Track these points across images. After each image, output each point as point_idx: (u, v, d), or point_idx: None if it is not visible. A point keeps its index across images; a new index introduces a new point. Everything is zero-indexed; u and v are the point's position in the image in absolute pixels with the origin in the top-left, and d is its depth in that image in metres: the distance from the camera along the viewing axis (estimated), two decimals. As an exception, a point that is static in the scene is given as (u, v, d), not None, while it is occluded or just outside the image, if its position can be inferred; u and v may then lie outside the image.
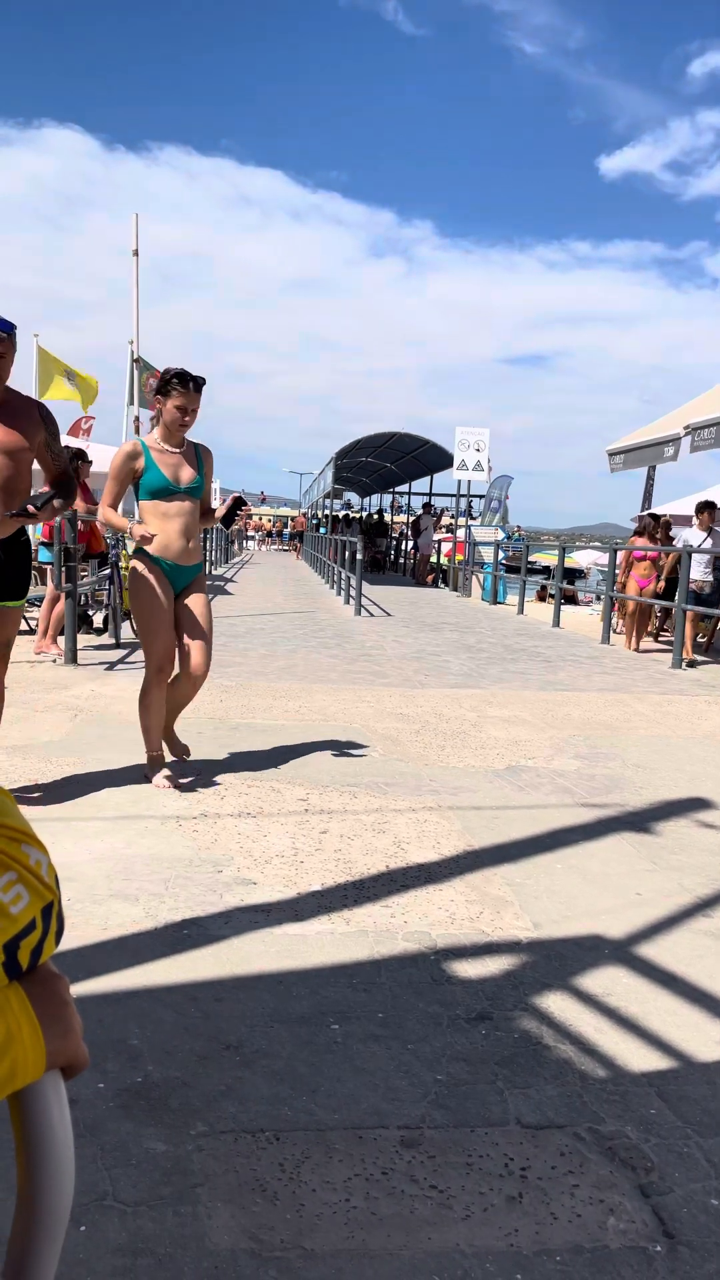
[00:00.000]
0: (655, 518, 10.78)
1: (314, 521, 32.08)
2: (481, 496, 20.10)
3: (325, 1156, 1.69)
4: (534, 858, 3.31)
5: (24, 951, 0.59)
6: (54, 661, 7.18)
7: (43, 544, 7.59)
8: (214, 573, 20.66)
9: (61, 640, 7.59)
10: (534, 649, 9.49)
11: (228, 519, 4.05)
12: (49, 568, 7.67)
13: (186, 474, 3.97)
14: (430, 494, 23.91)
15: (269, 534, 51.11)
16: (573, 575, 21.69)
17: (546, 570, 21.80)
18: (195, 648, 3.99)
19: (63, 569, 7.16)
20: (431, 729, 5.33)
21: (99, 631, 8.96)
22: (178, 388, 3.84)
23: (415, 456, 23.09)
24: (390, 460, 25.47)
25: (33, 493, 3.45)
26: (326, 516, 26.01)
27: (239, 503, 4.10)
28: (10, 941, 0.58)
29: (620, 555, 10.95)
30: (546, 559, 23.13)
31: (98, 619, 9.10)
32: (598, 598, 15.56)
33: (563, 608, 12.55)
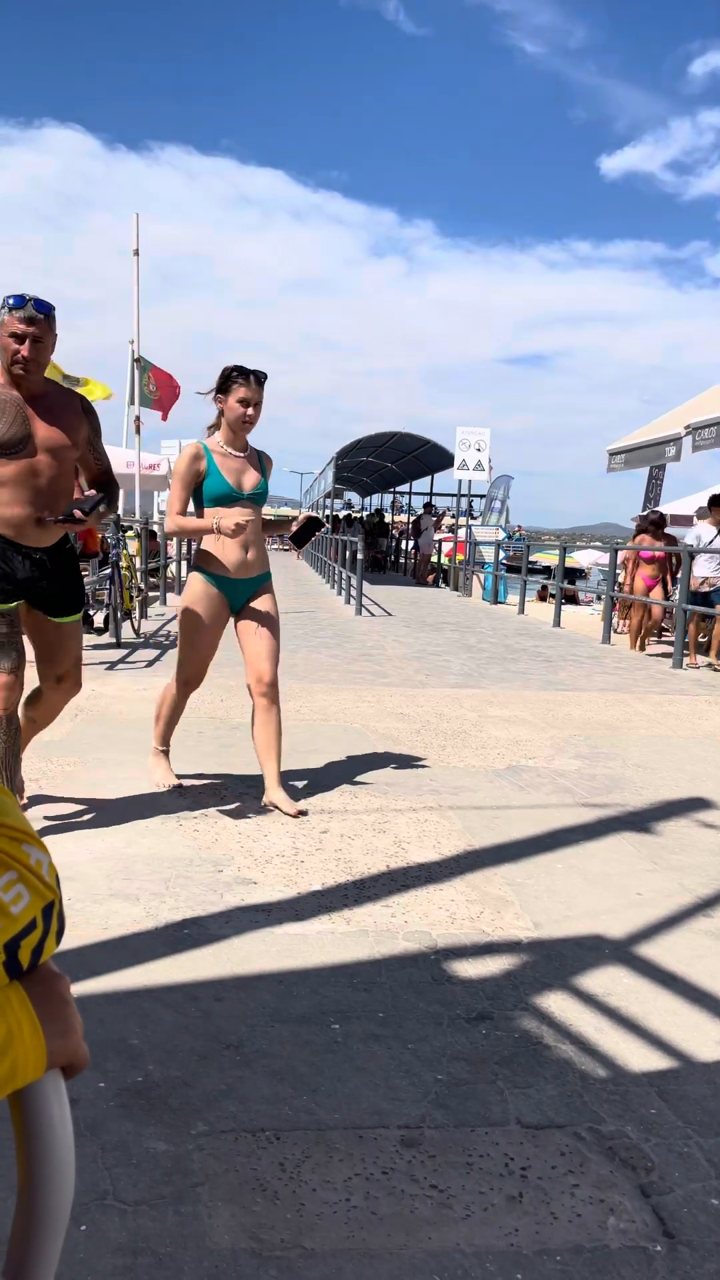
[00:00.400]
0: (660, 516, 10.73)
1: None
2: (482, 496, 20.10)
3: (325, 1156, 1.69)
4: (534, 858, 3.31)
5: (25, 951, 0.59)
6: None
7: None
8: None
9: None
10: (535, 649, 9.49)
11: (301, 537, 3.76)
12: None
13: (250, 480, 3.69)
14: (431, 494, 23.91)
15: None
16: (573, 575, 21.69)
17: (547, 570, 21.81)
18: (258, 661, 3.72)
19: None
20: (432, 729, 5.33)
21: (99, 631, 8.97)
22: (239, 381, 3.58)
23: (416, 456, 23.10)
24: (391, 460, 25.48)
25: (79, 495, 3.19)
26: (327, 516, 26.01)
27: (315, 524, 3.78)
28: (11, 941, 0.58)
29: (621, 555, 10.92)
30: (547, 559, 23.14)
31: (98, 619, 9.11)
32: (598, 598, 15.56)
33: (563, 608, 12.55)
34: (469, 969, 2.44)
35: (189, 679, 3.83)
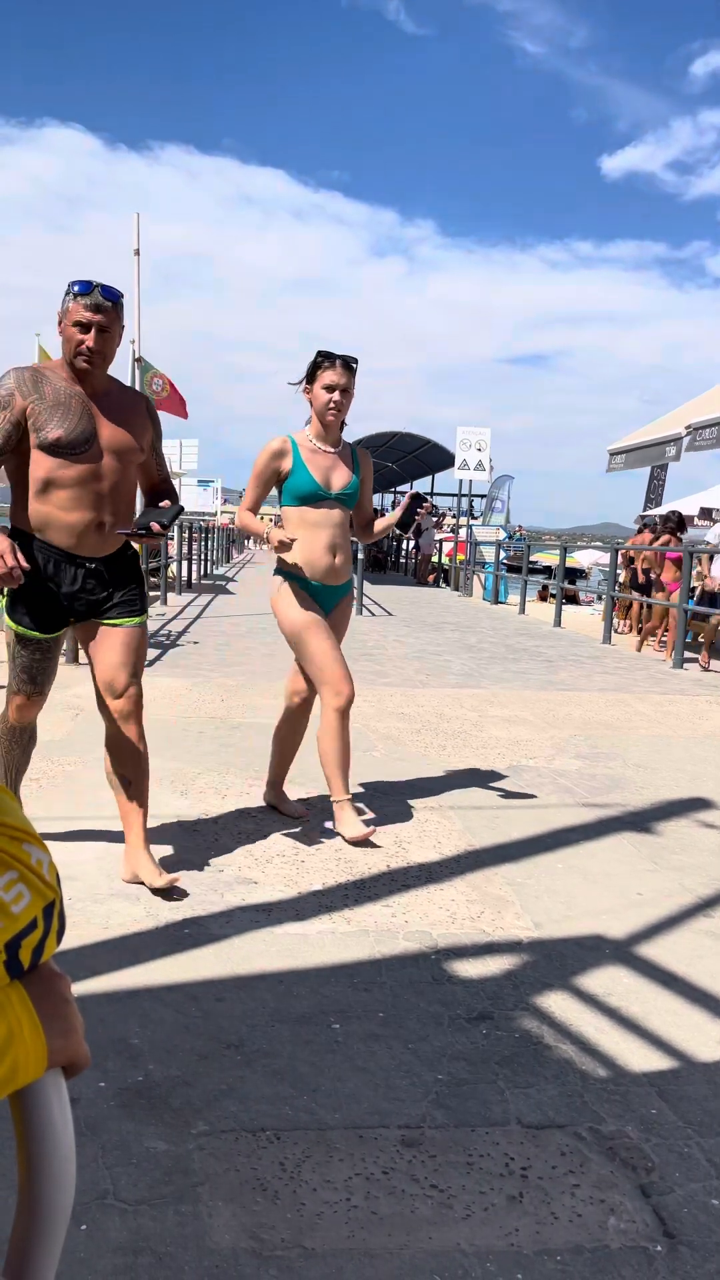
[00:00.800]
0: (681, 518, 10.63)
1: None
2: (483, 496, 20.11)
3: (326, 1156, 1.69)
4: (535, 857, 3.31)
5: (25, 950, 0.59)
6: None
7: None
8: (214, 572, 20.68)
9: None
10: (535, 649, 9.49)
11: (406, 520, 3.50)
12: None
13: (340, 478, 3.40)
14: (432, 493, 23.91)
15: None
16: (574, 575, 21.68)
17: (548, 570, 21.80)
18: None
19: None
20: (432, 729, 5.33)
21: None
22: (324, 365, 3.31)
23: (416, 456, 23.10)
24: (391, 460, 25.49)
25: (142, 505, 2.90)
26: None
27: (418, 499, 3.53)
28: (11, 940, 0.58)
29: (634, 554, 10.83)
30: (548, 559, 23.13)
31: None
32: (599, 598, 15.56)
33: (564, 608, 12.55)
34: (469, 969, 2.44)
35: (340, 692, 3.34)
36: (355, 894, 2.89)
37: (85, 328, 2.64)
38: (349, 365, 3.33)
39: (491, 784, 4.22)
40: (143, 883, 2.81)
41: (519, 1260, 1.47)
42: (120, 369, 13.09)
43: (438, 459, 21.62)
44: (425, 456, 22.49)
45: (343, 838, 3.34)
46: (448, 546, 21.71)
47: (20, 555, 2.45)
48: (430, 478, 24.58)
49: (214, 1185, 1.60)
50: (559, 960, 2.51)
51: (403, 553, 26.53)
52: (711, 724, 5.96)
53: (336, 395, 3.31)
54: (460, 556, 18.93)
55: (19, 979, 0.59)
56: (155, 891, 2.77)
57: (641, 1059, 2.06)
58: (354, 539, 3.61)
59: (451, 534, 21.41)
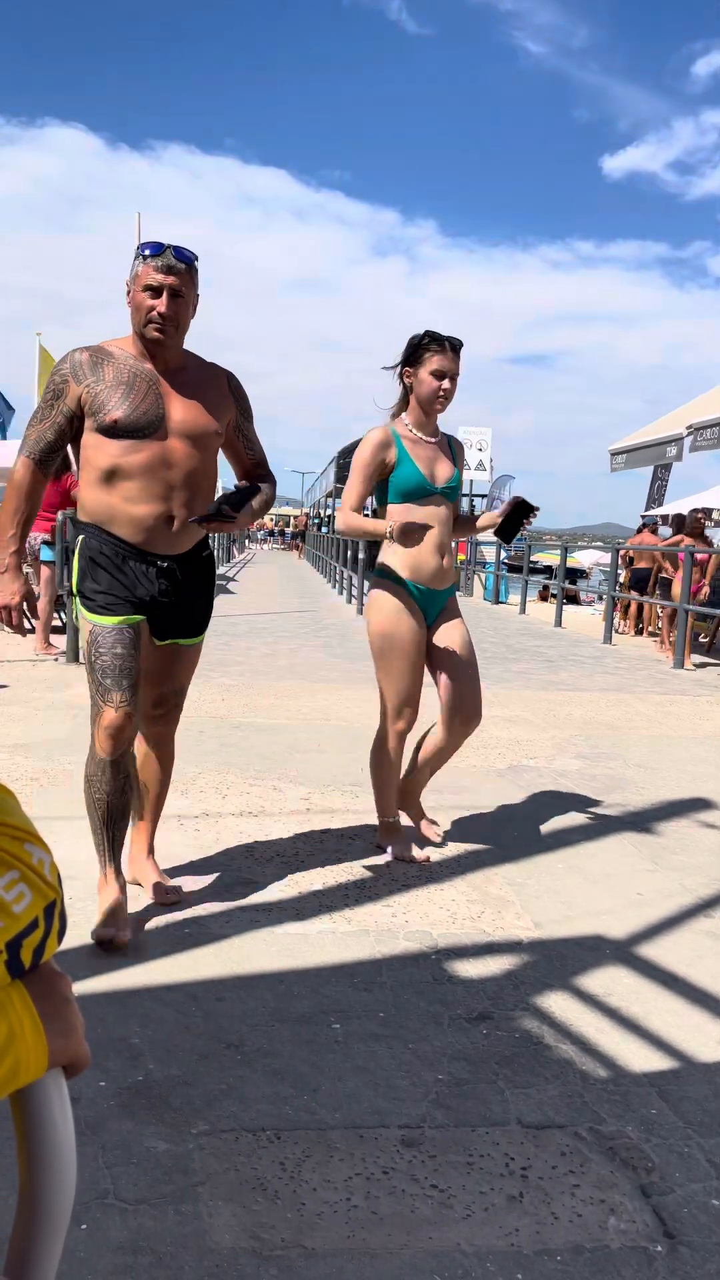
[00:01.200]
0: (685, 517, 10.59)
1: (316, 521, 32.07)
2: (484, 496, 20.11)
3: (326, 1155, 1.69)
4: (535, 857, 3.31)
5: (26, 950, 0.59)
6: (55, 660, 7.18)
7: (45, 543, 7.57)
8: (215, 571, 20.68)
9: (60, 639, 7.60)
10: (536, 649, 9.49)
11: (509, 528, 3.11)
12: (46, 567, 7.64)
13: (444, 470, 3.13)
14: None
15: (270, 533, 51.17)
16: (575, 575, 21.68)
17: (549, 570, 21.81)
18: (462, 689, 3.16)
19: (64, 568, 7.16)
20: (433, 728, 5.33)
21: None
22: (432, 349, 3.01)
23: (417, 456, 23.10)
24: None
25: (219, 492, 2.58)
26: (329, 516, 26.00)
27: (525, 507, 3.11)
28: (13, 940, 0.58)
29: (664, 556, 10.72)
30: (549, 559, 23.14)
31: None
32: (599, 598, 15.56)
33: (565, 608, 12.55)
34: (470, 969, 2.44)
35: (401, 710, 3.15)
36: (355, 894, 2.89)
37: (156, 292, 2.40)
38: (457, 349, 3.03)
39: (492, 784, 4.22)
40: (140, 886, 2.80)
41: (519, 1260, 1.47)
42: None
43: (438, 459, 21.61)
44: (426, 456, 22.49)
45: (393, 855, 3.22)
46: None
47: (28, 616, 2.41)
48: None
49: (214, 1185, 1.60)
50: (559, 960, 2.51)
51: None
52: (712, 724, 5.95)
53: (446, 383, 3.01)
54: (461, 556, 18.93)
55: (20, 979, 0.59)
56: (158, 903, 2.74)
57: (642, 1059, 2.06)
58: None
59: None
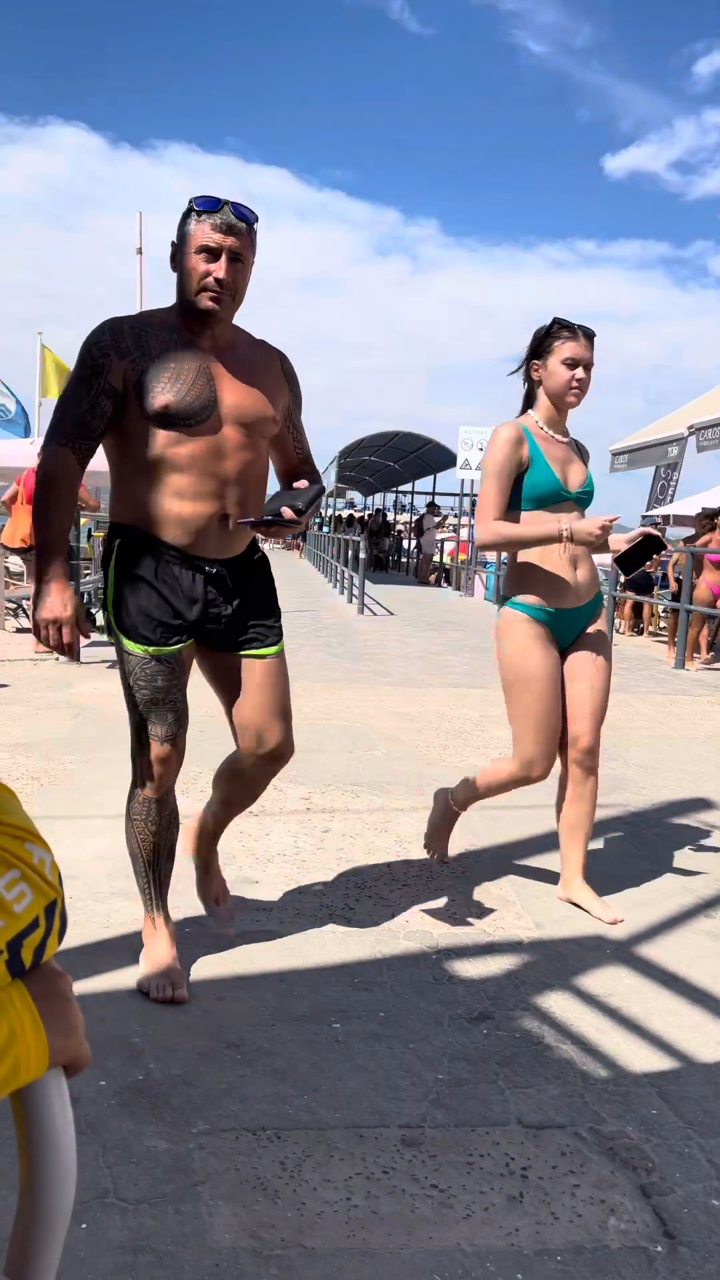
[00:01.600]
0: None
1: (317, 520, 32.09)
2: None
3: (326, 1155, 1.69)
4: (536, 857, 3.31)
5: (27, 949, 0.59)
6: (56, 660, 7.19)
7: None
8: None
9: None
10: (536, 649, 9.48)
11: (632, 561, 2.72)
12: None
13: (577, 474, 2.80)
14: (434, 493, 23.92)
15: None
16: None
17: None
18: (580, 715, 2.81)
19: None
20: (434, 728, 5.33)
21: (102, 629, 8.98)
22: (563, 336, 2.70)
23: (418, 455, 23.10)
24: (393, 459, 25.49)
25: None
26: (330, 516, 26.02)
27: (655, 544, 2.72)
28: (13, 939, 0.58)
29: (680, 557, 10.56)
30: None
31: (100, 617, 9.12)
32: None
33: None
34: (470, 969, 2.45)
35: (533, 761, 2.75)
36: (356, 894, 2.89)
37: (214, 254, 2.06)
38: (590, 336, 2.72)
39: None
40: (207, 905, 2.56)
41: (519, 1260, 1.47)
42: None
43: (440, 458, 21.61)
44: (427, 456, 22.49)
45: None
46: (449, 546, 21.72)
47: (83, 626, 2.03)
48: (432, 477, 24.58)
49: (214, 1184, 1.60)
50: (560, 960, 2.51)
51: (404, 552, 26.52)
52: (713, 724, 5.95)
53: (580, 372, 2.70)
54: (462, 556, 18.93)
55: (20, 978, 0.60)
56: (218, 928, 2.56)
57: (642, 1059, 2.06)
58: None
59: (453, 533, 21.42)
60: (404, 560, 26.11)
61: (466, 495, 19.43)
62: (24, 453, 10.86)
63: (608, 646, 2.88)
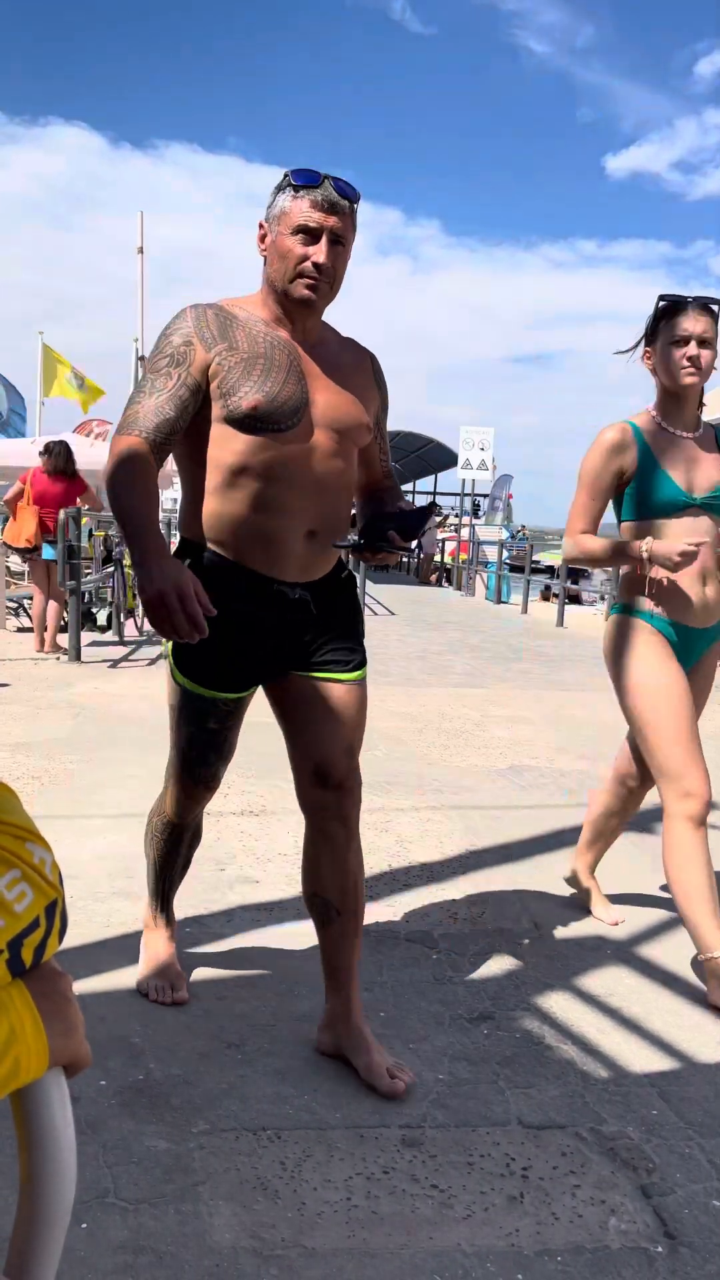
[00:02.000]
0: None
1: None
2: (486, 496, 20.13)
3: (326, 1155, 1.69)
4: (536, 857, 3.31)
5: (27, 949, 0.59)
6: (57, 659, 7.19)
7: (47, 542, 7.56)
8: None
9: (61, 637, 7.59)
10: (538, 649, 9.49)
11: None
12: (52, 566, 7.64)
13: (706, 475, 2.38)
14: (435, 493, 23.93)
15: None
16: (577, 575, 21.68)
17: (550, 570, 21.80)
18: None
19: (66, 566, 7.16)
20: (434, 728, 5.33)
21: (103, 629, 8.98)
22: (673, 313, 2.33)
23: (419, 455, 23.11)
24: (394, 459, 25.47)
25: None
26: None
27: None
28: (14, 939, 0.58)
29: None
30: (551, 558, 23.13)
31: (101, 616, 9.12)
32: (601, 598, 15.55)
33: (567, 608, 12.55)
34: (470, 969, 2.44)
35: (693, 796, 2.30)
36: (357, 893, 2.89)
37: (313, 235, 1.78)
38: (711, 310, 2.32)
39: (493, 784, 4.22)
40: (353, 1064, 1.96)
41: (519, 1260, 1.47)
42: (122, 368, 13.08)
43: (441, 458, 21.63)
44: (428, 456, 22.51)
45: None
46: (450, 546, 21.72)
47: (204, 597, 1.60)
48: (433, 477, 24.59)
49: (215, 1184, 1.60)
50: (560, 960, 2.51)
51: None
52: (713, 725, 5.95)
53: (693, 347, 2.29)
54: (463, 556, 18.94)
55: (21, 977, 0.59)
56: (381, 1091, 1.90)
57: (643, 1059, 2.06)
58: None
59: (454, 533, 21.43)
60: (404, 560, 26.13)
61: (467, 495, 19.44)
62: (25, 452, 10.87)
63: (713, 677, 2.56)
